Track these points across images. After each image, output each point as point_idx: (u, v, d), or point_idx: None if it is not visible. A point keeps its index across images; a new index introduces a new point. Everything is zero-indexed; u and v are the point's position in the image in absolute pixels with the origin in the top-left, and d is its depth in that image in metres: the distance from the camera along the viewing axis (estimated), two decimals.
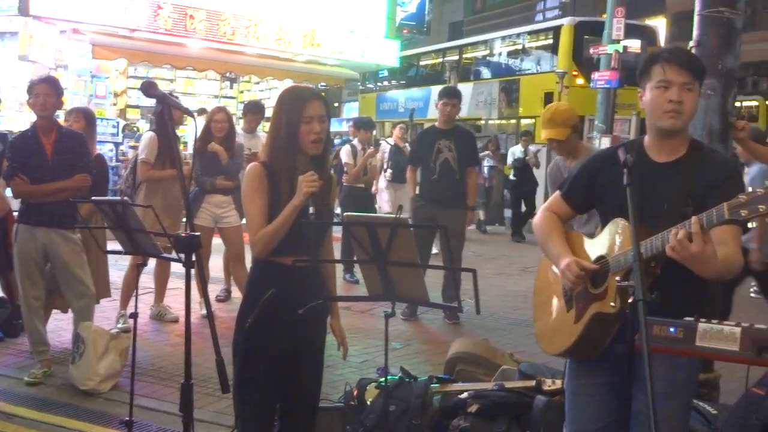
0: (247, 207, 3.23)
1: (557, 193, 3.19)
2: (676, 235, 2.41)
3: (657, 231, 2.56)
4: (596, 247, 2.90)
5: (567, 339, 2.94)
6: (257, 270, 3.32)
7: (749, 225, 2.64)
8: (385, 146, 11.62)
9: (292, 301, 3.12)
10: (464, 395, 4.45)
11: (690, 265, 2.48)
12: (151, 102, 14.29)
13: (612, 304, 2.65)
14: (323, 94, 3.53)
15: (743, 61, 5.92)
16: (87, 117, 6.57)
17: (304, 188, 3.08)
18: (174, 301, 7.46)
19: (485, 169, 17.10)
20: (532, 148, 16.68)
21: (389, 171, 10.91)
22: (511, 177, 16.75)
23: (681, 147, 2.85)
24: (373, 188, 10.73)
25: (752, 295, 9.64)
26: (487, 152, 17.50)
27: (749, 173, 5.97)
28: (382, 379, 4.20)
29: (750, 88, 30.80)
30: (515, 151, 16.78)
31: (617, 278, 2.61)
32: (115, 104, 15.36)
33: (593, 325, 2.80)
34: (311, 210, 3.08)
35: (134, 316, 3.68)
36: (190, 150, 7.82)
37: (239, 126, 8.38)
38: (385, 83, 30.04)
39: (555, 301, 3.07)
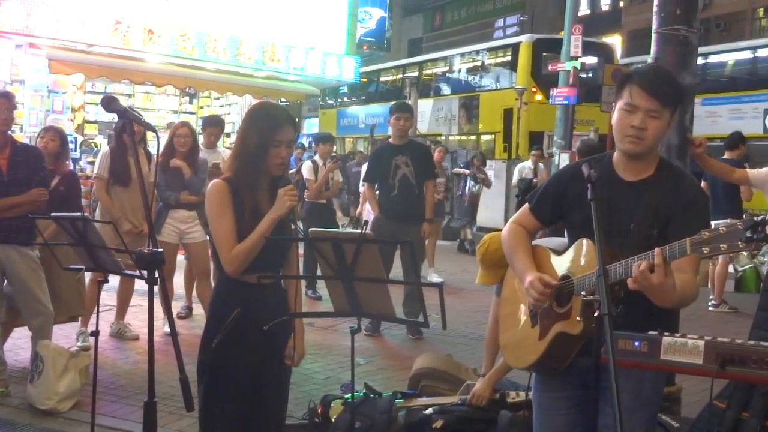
0: (216, 224, 3.20)
1: (525, 206, 3.18)
2: (639, 266, 2.43)
3: (621, 250, 2.59)
4: (562, 264, 2.90)
5: (531, 355, 2.94)
6: (221, 288, 3.31)
7: None
8: None
9: (256, 319, 3.10)
10: (429, 411, 4.46)
11: (649, 295, 2.50)
12: (109, 117, 14.19)
13: (578, 319, 2.65)
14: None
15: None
16: (61, 136, 6.58)
17: (286, 201, 3.09)
18: (134, 319, 7.36)
19: (467, 188, 14.98)
20: (541, 166, 15.36)
21: None
22: (516, 196, 14.90)
23: (649, 167, 2.84)
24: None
25: (710, 308, 9.80)
26: (464, 170, 15.59)
27: None
28: (348, 395, 4.19)
29: None
30: (524, 168, 15.18)
31: (583, 292, 2.62)
32: (72, 120, 15.19)
33: (557, 343, 2.81)
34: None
35: (95, 333, 3.62)
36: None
37: (200, 141, 8.33)
38: (346, 99, 30.12)
39: (521, 315, 3.07)
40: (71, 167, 6.75)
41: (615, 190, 2.82)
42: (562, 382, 2.99)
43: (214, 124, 8.64)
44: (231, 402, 3.21)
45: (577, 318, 2.66)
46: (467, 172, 14.51)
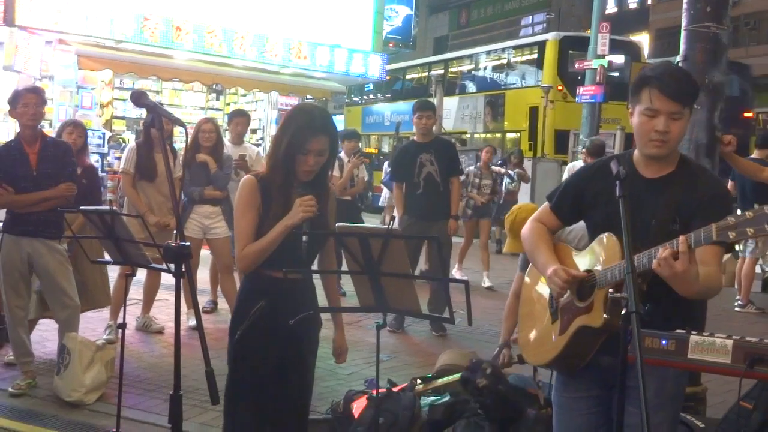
0: (238, 220, 3.23)
1: (546, 204, 3.17)
2: (663, 251, 2.42)
3: (644, 246, 2.56)
4: (584, 260, 2.90)
5: (552, 350, 2.94)
6: (248, 281, 3.31)
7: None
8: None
9: (282, 312, 3.11)
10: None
11: (672, 284, 2.49)
12: (137, 113, 14.27)
13: (605, 316, 2.64)
14: None
15: None
16: (85, 131, 6.68)
17: (300, 212, 3.07)
18: (159, 313, 7.41)
19: (504, 185, 14.40)
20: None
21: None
22: None
23: (670, 164, 2.85)
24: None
25: (737, 309, 9.71)
26: (500, 168, 14.77)
27: None
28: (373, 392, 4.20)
29: None
30: (574, 168, 13.75)
31: (610, 290, 2.60)
32: (100, 115, 15.30)
33: (578, 337, 2.80)
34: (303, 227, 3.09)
35: (122, 326, 3.65)
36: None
37: (226, 137, 8.37)
38: (371, 96, 30.13)
39: (541, 313, 3.07)
40: (91, 161, 6.80)
41: (636, 187, 2.80)
42: (582, 381, 2.99)
43: (241, 115, 8.67)
44: (253, 392, 3.22)
45: (604, 315, 2.64)
46: (502, 170, 14.30)
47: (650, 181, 2.84)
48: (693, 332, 2.32)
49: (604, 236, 2.79)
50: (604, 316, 2.64)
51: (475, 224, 11.56)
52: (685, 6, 5.07)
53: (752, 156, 9.19)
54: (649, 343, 2.36)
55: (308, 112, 3.35)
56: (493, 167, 12.45)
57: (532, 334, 3.14)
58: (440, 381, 4.83)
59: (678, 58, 5.09)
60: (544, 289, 3.05)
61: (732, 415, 3.82)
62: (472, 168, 11.98)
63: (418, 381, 4.81)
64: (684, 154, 2.98)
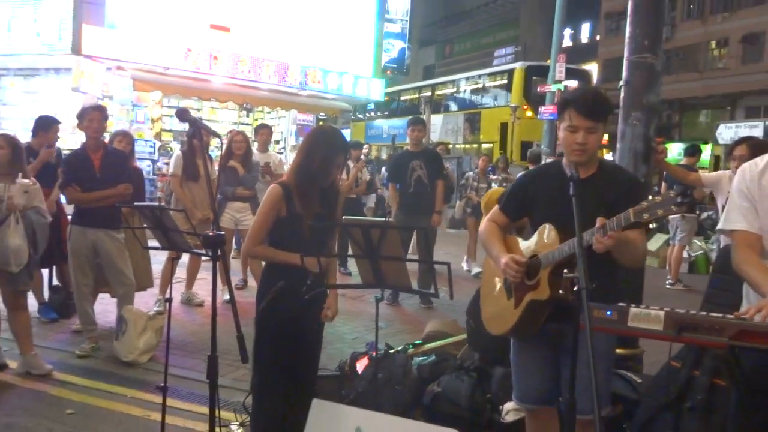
0: (258, 217, 3.31)
1: (496, 206, 3.23)
2: (598, 235, 2.51)
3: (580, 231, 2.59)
4: (530, 246, 2.96)
5: (509, 321, 2.98)
6: (270, 265, 3.37)
7: None
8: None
9: (297, 289, 3.10)
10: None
11: (616, 253, 2.61)
12: (182, 127, 14.25)
13: (549, 290, 2.68)
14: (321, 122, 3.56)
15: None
16: (132, 140, 6.72)
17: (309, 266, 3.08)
18: (200, 289, 7.40)
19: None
20: None
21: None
22: None
23: (591, 167, 2.92)
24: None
25: (667, 287, 9.72)
26: (494, 176, 13.98)
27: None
28: (373, 353, 4.19)
29: (665, 121, 31.16)
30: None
31: (565, 270, 2.61)
32: (151, 128, 15.30)
33: (529, 309, 2.86)
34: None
35: (169, 300, 3.65)
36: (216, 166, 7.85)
37: (254, 146, 8.37)
38: (372, 114, 30.07)
39: (498, 292, 3.10)
40: (137, 165, 6.83)
41: (567, 187, 2.83)
42: (534, 345, 3.04)
43: (264, 127, 8.71)
44: (274, 352, 3.27)
45: (549, 290, 2.73)
46: (493, 177, 13.94)
47: (578, 180, 2.85)
48: (632, 305, 2.31)
49: (546, 227, 2.86)
50: (560, 292, 2.69)
51: (475, 221, 11.45)
52: (627, 40, 5.05)
53: (681, 162, 9.20)
54: (597, 313, 2.35)
55: (332, 134, 3.42)
56: (490, 176, 12.17)
57: (493, 310, 3.16)
58: (427, 346, 4.82)
59: (621, 83, 5.07)
60: (498, 272, 3.07)
61: (663, 372, 3.81)
62: (471, 174, 11.65)
63: (410, 346, 4.80)
64: (601, 158, 3.06)
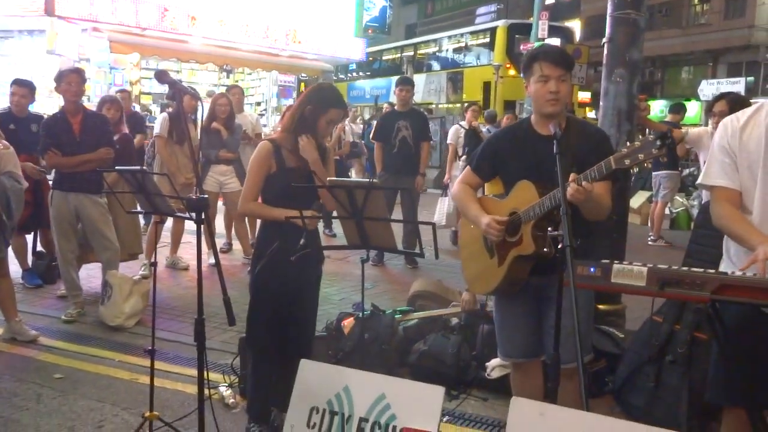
0: (249, 175, 3.26)
1: (468, 168, 3.23)
2: (572, 187, 2.54)
3: (554, 188, 2.64)
4: (507, 205, 2.96)
5: (495, 279, 3.00)
6: (265, 227, 3.37)
7: None
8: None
9: (292, 250, 3.08)
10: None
11: (583, 208, 2.68)
12: (161, 89, 14.06)
13: (544, 248, 2.69)
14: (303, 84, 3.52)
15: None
16: (119, 106, 6.65)
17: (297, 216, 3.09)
18: (185, 253, 7.39)
19: None
20: None
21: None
22: None
23: (561, 122, 2.91)
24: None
25: (650, 243, 9.83)
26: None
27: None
28: (359, 313, 4.22)
29: (648, 78, 31.17)
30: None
31: (549, 228, 2.63)
32: (130, 91, 15.08)
33: (515, 265, 2.90)
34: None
35: (154, 264, 3.64)
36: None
37: None
38: (354, 74, 29.79)
39: (479, 252, 3.10)
40: (126, 131, 6.72)
41: (539, 144, 2.91)
42: (516, 301, 3.08)
43: (235, 87, 8.64)
44: (272, 314, 3.27)
45: (530, 245, 2.76)
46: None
47: (547, 137, 2.86)
48: (615, 261, 2.34)
49: (522, 183, 2.87)
50: (534, 245, 2.74)
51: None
52: None
53: (666, 120, 9.22)
54: (581, 270, 2.37)
55: (327, 89, 3.41)
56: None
57: (476, 270, 3.18)
58: (414, 314, 4.83)
59: (604, 39, 5.05)
60: (477, 233, 3.08)
61: (646, 327, 3.89)
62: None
63: (398, 313, 4.82)
64: (569, 114, 3.07)
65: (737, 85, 21.16)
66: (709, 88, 21.43)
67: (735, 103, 4.82)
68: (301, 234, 3.05)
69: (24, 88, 6.08)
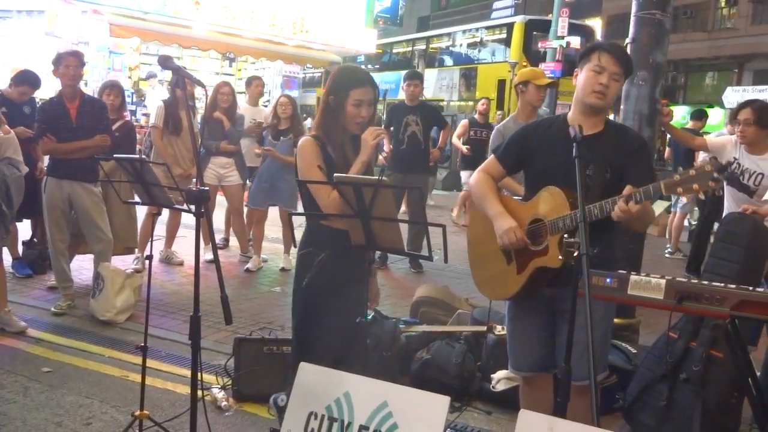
0: (308, 177, 3.03)
1: (492, 156, 3.18)
2: (621, 204, 2.51)
3: (584, 193, 2.59)
4: (530, 210, 2.92)
5: (512, 287, 2.99)
6: (309, 235, 3.15)
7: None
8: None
9: (340, 259, 2.94)
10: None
11: (632, 222, 2.64)
12: (162, 76, 14.01)
13: (559, 257, 2.67)
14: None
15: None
16: (121, 91, 6.65)
17: (370, 141, 2.96)
18: (180, 248, 7.41)
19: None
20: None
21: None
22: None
23: (600, 123, 2.92)
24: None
25: (667, 255, 9.82)
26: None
27: None
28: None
29: (670, 82, 31.11)
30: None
31: (565, 236, 2.62)
32: (129, 77, 15.13)
33: (536, 275, 2.87)
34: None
35: (150, 257, 3.65)
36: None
37: (244, 99, 8.31)
38: (363, 66, 29.77)
39: (494, 254, 3.06)
40: (128, 118, 6.75)
41: (571, 143, 2.82)
42: (531, 311, 3.07)
43: (257, 79, 8.56)
44: (327, 333, 3.05)
45: (560, 257, 2.68)
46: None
47: (583, 137, 2.85)
48: (633, 272, 2.34)
49: (550, 189, 2.82)
50: (560, 257, 2.67)
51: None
52: None
53: (687, 126, 9.21)
54: (597, 281, 2.38)
55: (348, 69, 3.21)
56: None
57: (489, 274, 3.15)
58: (420, 328, 4.79)
59: (627, 40, 5.05)
60: (492, 230, 3.00)
61: (660, 343, 3.88)
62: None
63: (402, 323, 4.81)
64: (608, 117, 3.03)
65: (764, 93, 21.08)
66: (734, 95, 21.37)
67: (761, 111, 4.81)
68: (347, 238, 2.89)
69: (28, 87, 6.28)
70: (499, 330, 4.36)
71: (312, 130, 3.23)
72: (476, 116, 11.67)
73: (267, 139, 7.13)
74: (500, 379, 4.06)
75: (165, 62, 3.03)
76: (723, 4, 32.43)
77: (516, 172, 3.28)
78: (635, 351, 4.29)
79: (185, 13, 14.62)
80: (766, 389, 2.70)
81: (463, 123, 11.38)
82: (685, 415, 3.54)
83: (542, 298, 2.94)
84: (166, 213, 6.88)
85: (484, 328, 4.44)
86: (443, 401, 2.34)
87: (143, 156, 6.78)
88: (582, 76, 2.89)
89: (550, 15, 18.74)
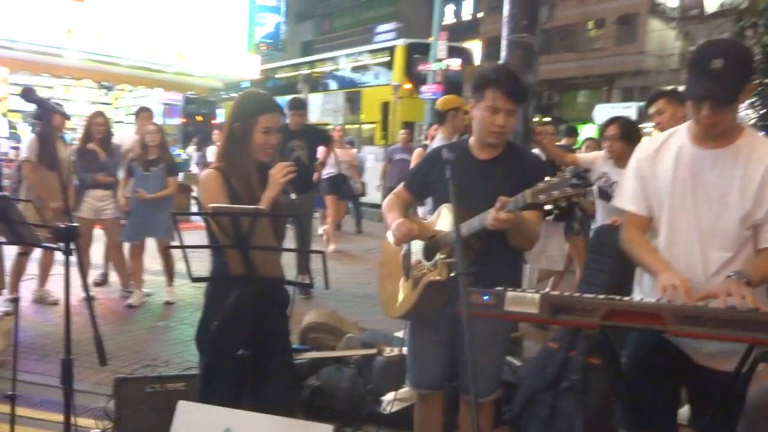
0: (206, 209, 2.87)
1: (402, 183, 3.28)
2: (494, 212, 2.57)
3: (477, 212, 2.68)
4: (430, 227, 3.01)
5: (407, 303, 3.04)
6: (216, 271, 3.05)
7: None
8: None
9: (258, 296, 2.81)
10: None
11: (511, 233, 2.73)
12: (31, 107, 13.47)
13: (445, 273, 2.74)
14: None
15: (539, 79, 6.21)
16: None
17: (279, 179, 2.87)
18: (55, 287, 7.04)
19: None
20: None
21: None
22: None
23: (499, 147, 3.00)
24: None
25: None
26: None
27: None
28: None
29: (546, 101, 32.52)
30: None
31: (442, 256, 2.69)
32: None
33: (428, 290, 2.92)
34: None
35: (17, 300, 3.45)
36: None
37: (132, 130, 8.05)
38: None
39: (397, 273, 3.15)
40: None
41: (473, 167, 2.97)
42: (431, 329, 3.09)
43: (146, 110, 8.28)
44: (231, 373, 2.86)
45: (440, 273, 2.78)
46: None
47: (483, 162, 2.98)
48: (509, 289, 2.40)
49: (443, 207, 2.92)
50: (447, 272, 2.75)
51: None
52: (505, 19, 5.21)
53: (560, 143, 9.59)
54: (475, 299, 2.42)
55: (253, 95, 3.10)
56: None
57: (390, 291, 3.21)
58: (307, 355, 4.72)
59: (500, 62, 5.23)
60: (397, 251, 3.13)
61: (542, 354, 4.00)
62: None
63: None
64: (509, 140, 3.10)
65: (629, 110, 22.39)
66: (603, 112, 22.55)
67: (626, 127, 5.09)
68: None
69: None
70: (388, 351, 4.38)
71: (215, 160, 3.10)
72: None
73: (137, 170, 6.92)
74: (390, 401, 4.06)
75: (28, 95, 2.91)
76: (591, 26, 34.27)
77: (424, 197, 3.36)
78: (520, 363, 4.39)
79: (56, 41, 14.05)
80: None
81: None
82: (569, 422, 3.65)
83: (443, 316, 2.93)
84: (38, 250, 6.52)
85: (374, 351, 4.45)
86: (327, 430, 2.31)
87: (9, 192, 6.43)
88: (478, 115, 2.93)
89: (431, 38, 19.19)
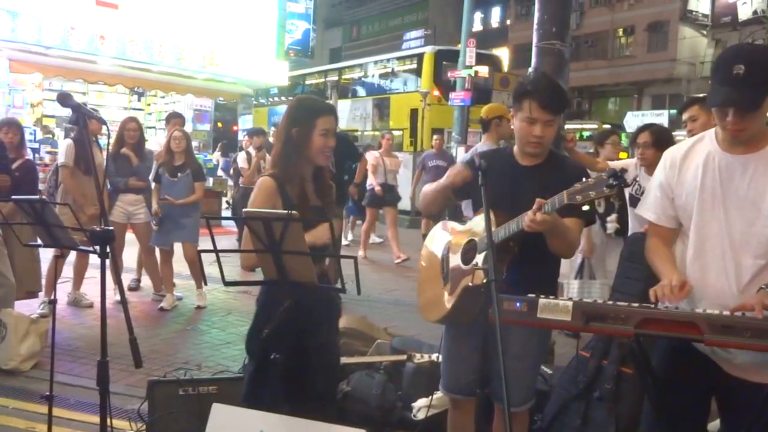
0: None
1: None
2: (530, 214, 2.56)
3: (513, 216, 2.68)
4: (467, 231, 3.03)
5: (444, 308, 3.03)
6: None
7: None
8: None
9: (303, 305, 2.84)
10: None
11: (548, 239, 2.70)
12: (65, 112, 13.72)
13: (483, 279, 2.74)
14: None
15: (569, 86, 6.19)
16: (20, 129, 6.39)
17: (324, 237, 2.87)
18: (89, 289, 7.15)
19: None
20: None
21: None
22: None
23: (541, 156, 3.00)
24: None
25: None
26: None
27: None
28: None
29: (575, 108, 32.34)
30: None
31: (475, 262, 2.69)
32: (31, 114, 14.62)
33: (464, 295, 2.91)
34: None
35: (54, 302, 3.51)
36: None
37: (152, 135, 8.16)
38: (276, 99, 29.73)
39: (436, 277, 3.15)
40: (29, 156, 6.50)
41: (516, 173, 2.98)
42: (467, 335, 3.09)
43: (178, 116, 8.46)
44: (281, 382, 2.87)
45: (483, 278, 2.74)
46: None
47: (526, 168, 3.00)
48: (541, 296, 2.39)
49: (484, 211, 2.89)
50: (483, 279, 2.73)
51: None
52: (535, 26, 5.21)
53: (590, 151, 9.55)
54: (507, 305, 2.42)
55: (307, 100, 3.14)
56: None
57: (429, 295, 3.21)
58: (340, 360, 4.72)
59: (530, 69, 5.23)
60: (437, 255, 3.13)
61: (573, 363, 3.98)
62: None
63: None
64: (551, 148, 3.11)
65: (661, 117, 22.20)
66: (634, 120, 22.40)
67: (658, 134, 5.05)
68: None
69: None
70: (419, 358, 4.38)
71: (269, 167, 3.14)
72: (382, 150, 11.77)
73: (164, 176, 7.00)
74: (421, 407, 4.06)
75: (64, 100, 2.96)
76: (621, 34, 34.04)
77: (464, 198, 3.40)
78: (551, 372, 4.37)
79: (90, 48, 14.28)
80: None
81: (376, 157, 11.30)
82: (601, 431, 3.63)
83: (479, 325, 2.92)
84: (73, 254, 6.63)
85: (404, 357, 4.45)
86: None
87: (45, 196, 6.54)
88: (517, 125, 2.96)
89: (459, 45, 19.18)
